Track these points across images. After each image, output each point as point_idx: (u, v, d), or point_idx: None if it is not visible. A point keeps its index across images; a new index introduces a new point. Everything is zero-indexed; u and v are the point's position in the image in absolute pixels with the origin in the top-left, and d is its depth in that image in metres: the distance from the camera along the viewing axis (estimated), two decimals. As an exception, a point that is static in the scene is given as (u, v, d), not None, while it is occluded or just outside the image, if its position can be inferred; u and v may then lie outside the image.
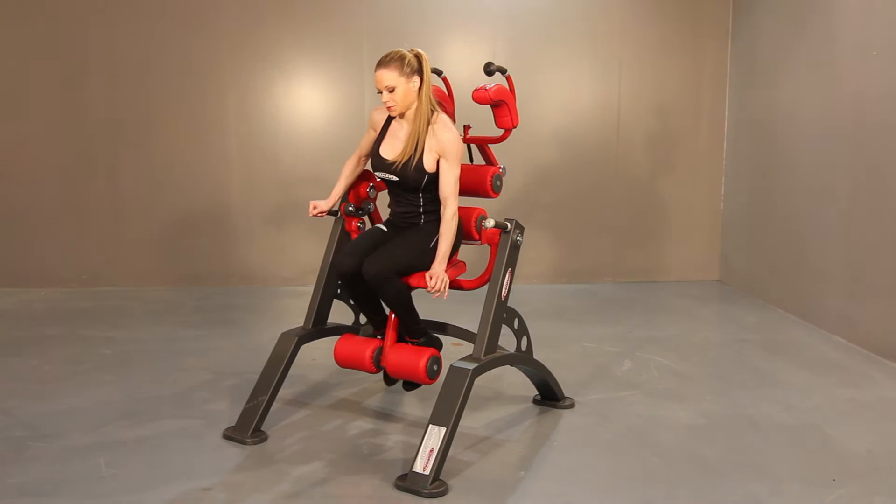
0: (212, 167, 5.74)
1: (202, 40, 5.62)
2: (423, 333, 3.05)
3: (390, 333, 3.01)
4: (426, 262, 2.87)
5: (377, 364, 2.97)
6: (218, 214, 5.78)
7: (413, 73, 2.83)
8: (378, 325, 3.08)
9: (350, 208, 3.13)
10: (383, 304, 3.01)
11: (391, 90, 2.81)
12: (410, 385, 3.13)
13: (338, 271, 2.90)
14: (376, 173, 3.00)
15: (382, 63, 2.82)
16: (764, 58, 5.33)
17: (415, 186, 2.90)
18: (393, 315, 3.01)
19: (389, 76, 2.80)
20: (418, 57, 2.86)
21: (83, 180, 5.65)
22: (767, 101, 5.28)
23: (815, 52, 4.65)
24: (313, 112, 5.76)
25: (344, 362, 2.99)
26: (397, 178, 2.90)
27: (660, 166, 5.98)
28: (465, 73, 5.74)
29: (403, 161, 2.86)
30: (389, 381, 3.22)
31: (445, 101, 3.08)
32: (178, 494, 2.47)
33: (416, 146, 2.85)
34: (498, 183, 3.13)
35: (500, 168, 3.16)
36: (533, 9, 5.78)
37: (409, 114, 2.90)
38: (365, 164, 3.16)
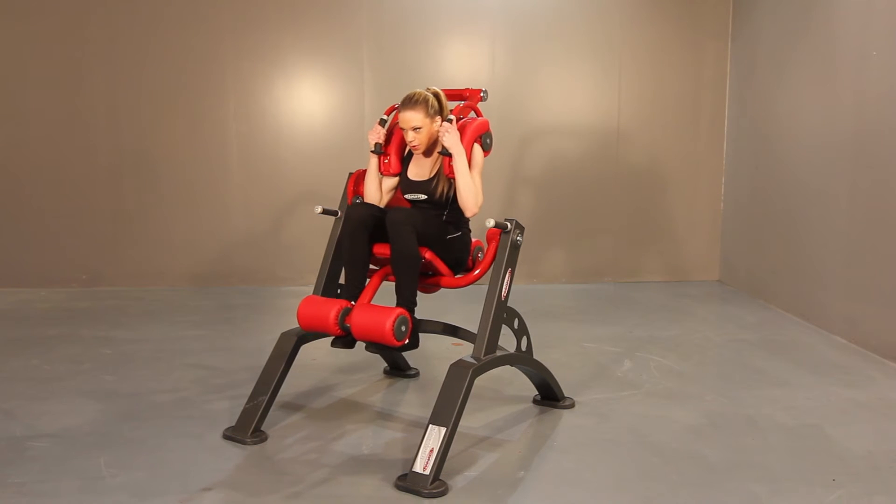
0: (212, 167, 5.74)
1: (202, 40, 5.62)
2: (412, 307, 2.90)
3: (366, 294, 2.92)
4: (438, 249, 2.97)
5: (342, 325, 2.84)
6: (218, 214, 5.78)
7: (436, 114, 3.00)
8: (353, 294, 2.95)
9: (357, 200, 3.16)
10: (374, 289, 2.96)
11: (417, 130, 2.97)
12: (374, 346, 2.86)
13: (352, 216, 2.92)
14: (406, 196, 3.10)
15: (409, 105, 2.96)
16: (764, 58, 5.33)
17: (444, 202, 3.01)
18: (379, 281, 2.96)
19: (416, 117, 2.95)
20: (437, 97, 3.02)
21: (83, 180, 5.65)
22: (767, 101, 5.28)
23: (815, 52, 4.65)
24: (313, 112, 5.77)
25: (307, 325, 2.89)
26: (426, 196, 3.02)
27: (660, 166, 5.98)
28: (464, 73, 5.77)
29: (433, 178, 3.01)
30: (340, 342, 2.87)
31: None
32: (179, 494, 2.47)
33: (441, 166, 3.01)
34: (488, 141, 3.09)
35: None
36: (532, 9, 5.78)
37: (431, 147, 3.07)
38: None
